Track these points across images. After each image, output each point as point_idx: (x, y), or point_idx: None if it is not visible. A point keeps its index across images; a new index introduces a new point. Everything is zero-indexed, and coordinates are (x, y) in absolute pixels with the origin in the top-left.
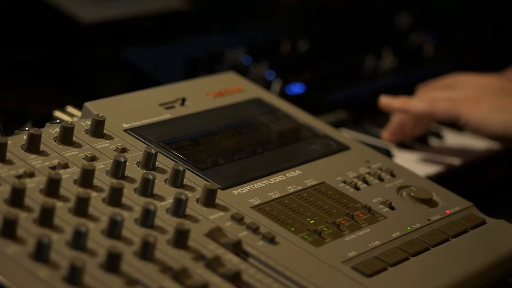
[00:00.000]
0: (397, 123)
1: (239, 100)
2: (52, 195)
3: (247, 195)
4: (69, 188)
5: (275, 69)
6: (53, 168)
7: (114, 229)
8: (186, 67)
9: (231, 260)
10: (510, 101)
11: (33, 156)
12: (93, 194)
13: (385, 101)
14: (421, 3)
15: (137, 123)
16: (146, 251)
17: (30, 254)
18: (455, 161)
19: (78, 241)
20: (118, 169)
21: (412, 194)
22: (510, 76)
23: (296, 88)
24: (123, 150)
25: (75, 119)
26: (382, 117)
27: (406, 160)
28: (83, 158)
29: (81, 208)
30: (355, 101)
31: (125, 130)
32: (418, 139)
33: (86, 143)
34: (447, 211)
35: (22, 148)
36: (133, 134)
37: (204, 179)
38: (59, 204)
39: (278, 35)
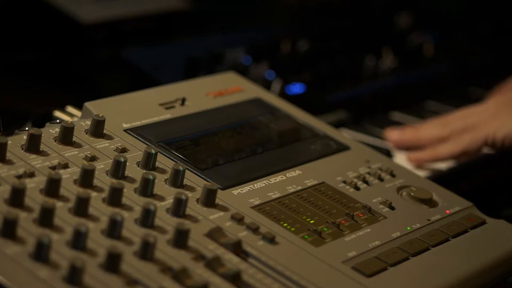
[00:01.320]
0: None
1: (239, 100)
2: (52, 195)
3: (247, 195)
4: (69, 188)
5: (275, 69)
6: (53, 168)
7: (114, 229)
8: (186, 67)
9: (231, 260)
10: None
11: (33, 156)
12: (93, 194)
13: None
14: (421, 3)
15: (137, 123)
16: (146, 251)
17: (30, 254)
18: (455, 161)
19: (78, 241)
20: (118, 169)
21: (412, 194)
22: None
23: (296, 88)
24: (123, 150)
25: (75, 119)
26: (382, 117)
27: (406, 160)
28: (83, 158)
29: (81, 208)
30: (355, 101)
31: (125, 130)
32: None
33: (86, 143)
34: (447, 211)
35: (22, 148)
36: (133, 134)
37: (204, 179)
38: (59, 204)
39: (278, 35)
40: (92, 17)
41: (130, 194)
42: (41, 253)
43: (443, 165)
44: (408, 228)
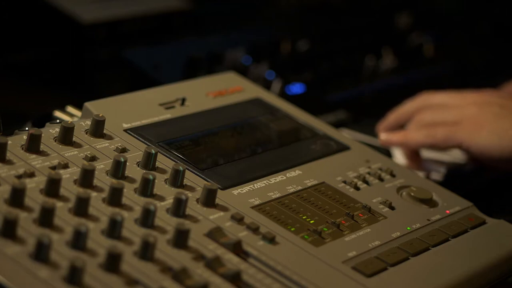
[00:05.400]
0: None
1: (239, 100)
2: (52, 195)
3: (247, 195)
4: (69, 188)
5: (275, 69)
6: (53, 168)
7: (114, 229)
8: (186, 67)
9: (231, 260)
10: (510, 124)
11: (33, 156)
12: (93, 194)
13: (384, 137)
14: (421, 3)
15: (137, 123)
16: (146, 251)
17: (30, 254)
18: (455, 161)
19: (78, 241)
20: (118, 169)
21: (412, 194)
22: (510, 90)
23: (296, 88)
24: (123, 150)
25: (75, 119)
26: (382, 117)
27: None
28: (83, 158)
29: (81, 208)
30: (355, 101)
31: (125, 130)
32: None
33: (86, 143)
34: (447, 211)
35: (22, 148)
36: (133, 134)
37: (204, 179)
38: (59, 204)
39: (278, 35)
40: (92, 17)
41: (130, 194)
42: (41, 253)
43: (442, 169)
44: (408, 228)
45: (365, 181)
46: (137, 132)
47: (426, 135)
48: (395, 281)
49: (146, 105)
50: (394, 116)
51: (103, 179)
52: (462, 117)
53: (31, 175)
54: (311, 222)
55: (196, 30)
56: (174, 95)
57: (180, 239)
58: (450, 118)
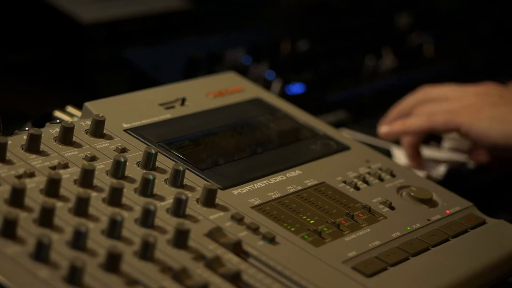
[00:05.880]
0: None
1: (239, 100)
2: (52, 195)
3: (247, 195)
4: (69, 188)
5: (275, 69)
6: (53, 168)
7: (114, 229)
8: (186, 67)
9: (231, 260)
10: (511, 111)
11: (33, 156)
12: (93, 194)
13: (385, 129)
14: (421, 3)
15: (137, 123)
16: (146, 251)
17: (30, 254)
18: (456, 159)
19: (78, 241)
20: (118, 169)
21: (412, 194)
22: None
23: (296, 88)
24: (123, 150)
25: (75, 119)
26: (382, 117)
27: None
28: (83, 158)
29: (81, 208)
30: (355, 101)
31: (125, 130)
32: None
33: (86, 143)
34: (447, 211)
35: (22, 148)
36: (133, 134)
37: (204, 179)
38: (59, 204)
39: (278, 35)
40: (92, 17)
41: (130, 194)
42: (41, 253)
43: (442, 168)
44: (408, 228)
45: (365, 181)
46: (137, 132)
47: (425, 120)
48: (395, 281)
49: (146, 105)
50: (395, 110)
51: (103, 179)
52: (462, 105)
53: (31, 175)
54: (311, 222)
55: (196, 30)
56: (174, 95)
57: (180, 239)
58: (451, 107)
